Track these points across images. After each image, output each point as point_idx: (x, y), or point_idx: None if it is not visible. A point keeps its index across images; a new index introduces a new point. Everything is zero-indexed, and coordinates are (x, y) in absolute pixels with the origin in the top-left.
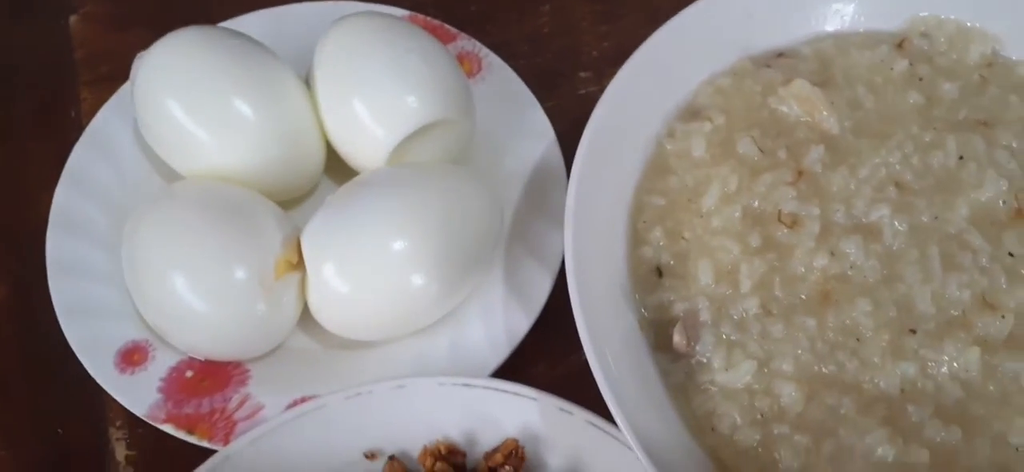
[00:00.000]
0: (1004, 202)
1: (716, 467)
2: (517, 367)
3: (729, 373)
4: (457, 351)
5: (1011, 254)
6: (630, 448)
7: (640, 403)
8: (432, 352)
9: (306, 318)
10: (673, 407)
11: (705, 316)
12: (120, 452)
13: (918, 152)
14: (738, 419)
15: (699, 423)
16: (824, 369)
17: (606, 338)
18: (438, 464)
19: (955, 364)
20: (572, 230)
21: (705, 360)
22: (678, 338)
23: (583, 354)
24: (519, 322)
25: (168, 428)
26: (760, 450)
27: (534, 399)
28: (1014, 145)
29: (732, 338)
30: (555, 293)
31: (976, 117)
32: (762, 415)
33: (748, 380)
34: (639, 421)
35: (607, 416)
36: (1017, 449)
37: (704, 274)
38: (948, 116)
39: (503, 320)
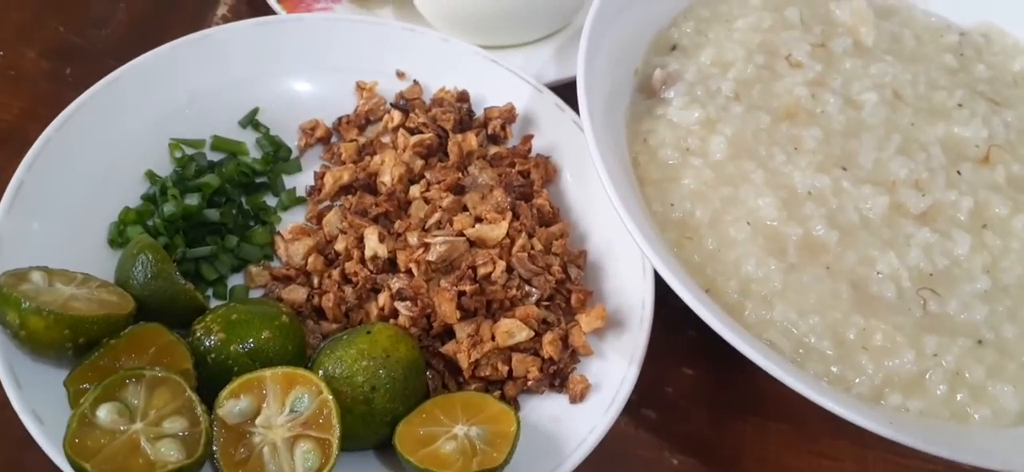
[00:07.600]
0: (978, 146)
1: (632, 165)
2: None
3: (681, 112)
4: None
5: (959, 172)
6: None
7: (604, 113)
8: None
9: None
10: (624, 123)
11: (688, 76)
12: None
13: (927, 85)
14: (667, 140)
15: (636, 136)
16: (758, 149)
17: (602, 72)
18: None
19: (864, 202)
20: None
21: (668, 98)
22: (658, 75)
23: None
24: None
25: None
26: (671, 166)
27: (540, 90)
28: (1011, 121)
29: (698, 95)
30: None
31: (992, 96)
32: (688, 148)
33: (691, 123)
34: (598, 124)
35: None
36: (879, 274)
37: (705, 56)
38: (969, 82)
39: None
